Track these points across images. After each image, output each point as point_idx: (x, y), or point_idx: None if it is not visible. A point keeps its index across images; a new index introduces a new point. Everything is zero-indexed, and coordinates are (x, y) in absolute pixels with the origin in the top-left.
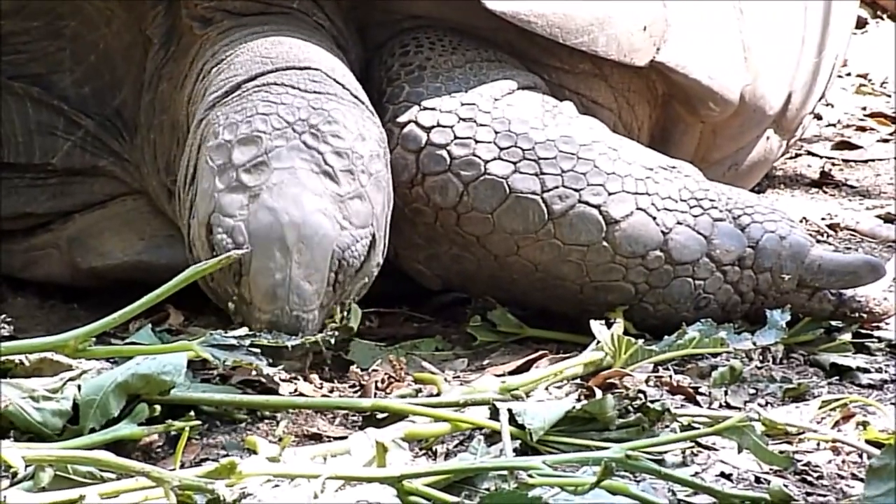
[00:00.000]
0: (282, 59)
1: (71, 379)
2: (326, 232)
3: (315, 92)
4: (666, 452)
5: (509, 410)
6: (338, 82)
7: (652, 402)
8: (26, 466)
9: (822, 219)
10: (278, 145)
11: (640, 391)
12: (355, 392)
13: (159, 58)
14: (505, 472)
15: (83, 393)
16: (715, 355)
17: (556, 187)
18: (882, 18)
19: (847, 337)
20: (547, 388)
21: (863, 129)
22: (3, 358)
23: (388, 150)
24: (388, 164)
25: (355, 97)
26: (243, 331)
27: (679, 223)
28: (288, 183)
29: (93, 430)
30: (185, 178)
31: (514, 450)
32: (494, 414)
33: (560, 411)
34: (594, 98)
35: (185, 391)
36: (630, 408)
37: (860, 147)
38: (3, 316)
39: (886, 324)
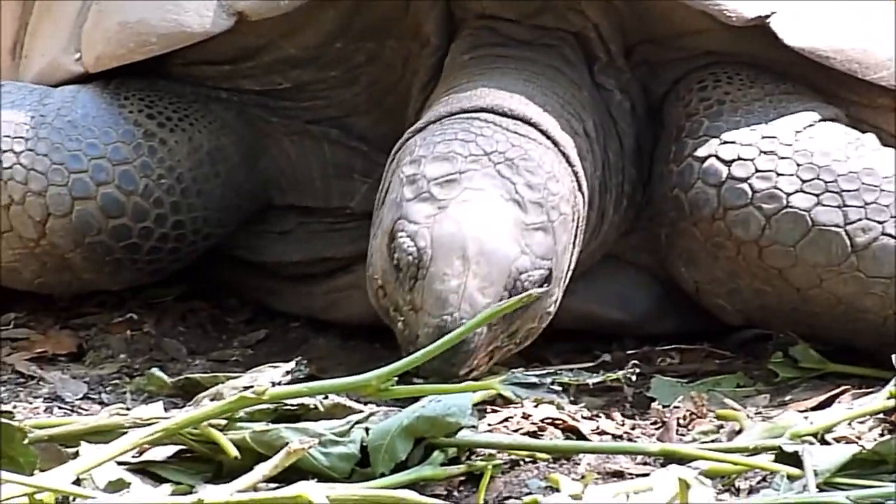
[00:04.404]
0: (496, 102)
1: (358, 422)
2: (507, 251)
3: (516, 133)
4: None
5: (796, 453)
6: (542, 132)
7: None
8: None
9: None
10: (472, 168)
11: None
12: (657, 429)
13: (420, 99)
14: None
15: (371, 437)
16: None
17: (859, 220)
18: None
19: None
20: (850, 424)
21: None
22: (298, 402)
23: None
24: (577, 219)
25: (560, 150)
26: (544, 369)
27: None
28: (477, 201)
29: (382, 475)
30: (377, 202)
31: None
32: (781, 457)
33: (847, 454)
34: (894, 132)
35: (474, 433)
36: None
37: None
38: (299, 357)
39: None
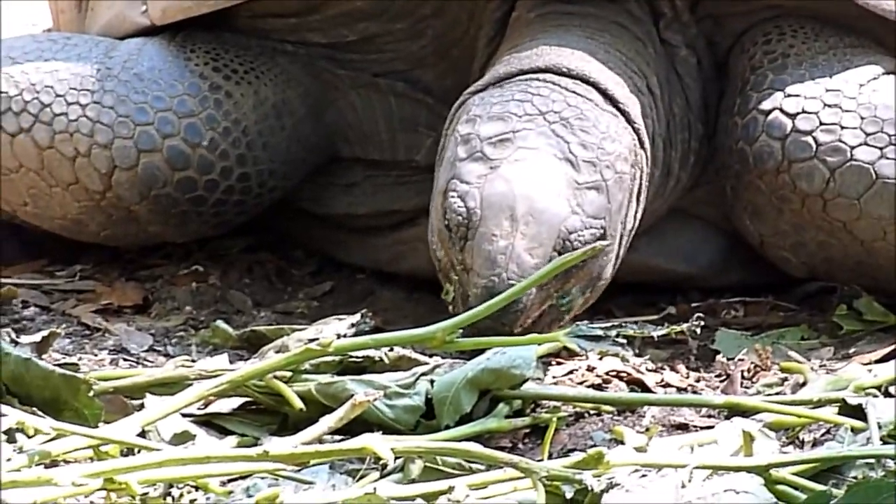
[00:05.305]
0: (555, 61)
1: (423, 374)
2: (557, 211)
3: (574, 93)
4: None
5: (860, 405)
6: (601, 91)
7: None
8: (395, 458)
9: None
10: (527, 128)
11: None
12: (721, 381)
13: (486, 54)
14: (872, 461)
15: (436, 389)
16: None
17: None
18: None
19: None
20: None
21: None
22: (363, 354)
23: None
24: (638, 177)
25: (620, 109)
26: (609, 322)
27: None
28: (529, 161)
29: (447, 427)
30: (438, 161)
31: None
32: (845, 410)
33: None
34: None
35: (539, 386)
36: None
37: None
38: (365, 310)
39: None
